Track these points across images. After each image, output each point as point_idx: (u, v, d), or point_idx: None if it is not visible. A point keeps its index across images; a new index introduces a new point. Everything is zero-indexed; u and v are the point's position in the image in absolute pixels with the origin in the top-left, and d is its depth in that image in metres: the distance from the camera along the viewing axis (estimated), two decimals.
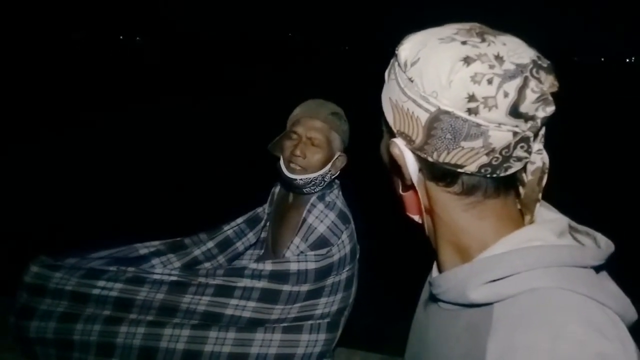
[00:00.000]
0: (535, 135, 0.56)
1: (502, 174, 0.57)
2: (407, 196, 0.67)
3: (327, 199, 1.54)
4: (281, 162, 1.52)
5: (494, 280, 0.56)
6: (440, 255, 0.66)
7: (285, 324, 1.44)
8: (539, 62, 0.54)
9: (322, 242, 1.47)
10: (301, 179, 1.49)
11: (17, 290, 1.46)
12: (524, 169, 0.60)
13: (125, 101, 12.93)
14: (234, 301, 1.43)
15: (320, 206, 1.52)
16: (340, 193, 1.60)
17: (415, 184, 0.63)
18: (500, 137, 0.54)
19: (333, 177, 1.57)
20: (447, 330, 0.63)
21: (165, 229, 1.75)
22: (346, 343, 2.17)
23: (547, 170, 0.60)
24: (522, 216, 0.63)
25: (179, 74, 21.15)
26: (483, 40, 0.55)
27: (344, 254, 1.48)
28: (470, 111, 0.53)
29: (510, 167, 0.57)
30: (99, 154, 7.50)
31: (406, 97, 0.57)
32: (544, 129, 0.58)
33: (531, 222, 0.62)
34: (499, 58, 0.53)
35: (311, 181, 1.50)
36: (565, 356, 0.48)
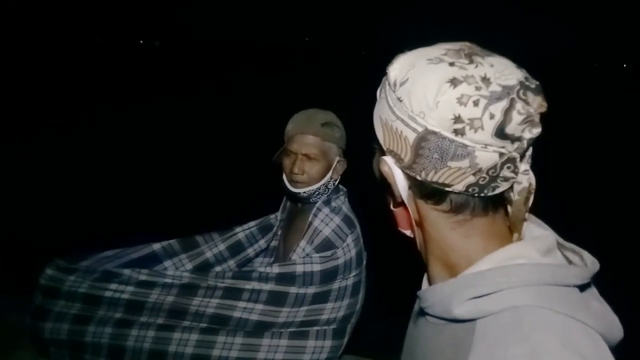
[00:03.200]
0: (522, 156, 0.57)
1: (489, 193, 0.58)
2: (398, 212, 0.69)
3: (333, 204, 1.56)
4: (284, 177, 1.56)
5: (477, 297, 0.56)
6: (430, 270, 0.67)
7: (291, 329, 1.46)
8: (527, 83, 0.55)
9: (327, 245, 1.49)
10: (304, 192, 1.53)
11: (33, 292, 1.51)
12: (511, 188, 0.60)
13: (144, 103, 13.09)
14: (241, 304, 1.46)
15: (326, 210, 1.54)
16: (347, 199, 1.62)
17: (405, 201, 0.64)
18: (487, 157, 0.55)
19: (336, 182, 1.60)
20: (433, 343, 0.64)
21: (176, 232, 1.78)
22: (353, 350, 2.17)
23: (533, 191, 0.60)
24: (510, 233, 0.64)
25: (197, 77, 21.36)
26: (471, 61, 0.55)
27: (350, 257, 1.50)
28: (456, 132, 0.54)
29: (497, 186, 0.58)
30: (118, 155, 7.61)
31: (395, 117, 0.58)
32: (530, 149, 0.58)
33: (519, 239, 0.63)
34: (485, 80, 0.54)
35: (315, 191, 1.54)
36: None
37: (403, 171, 0.62)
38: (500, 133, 0.54)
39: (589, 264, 0.61)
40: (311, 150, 1.50)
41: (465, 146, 0.54)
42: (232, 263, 1.71)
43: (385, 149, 0.62)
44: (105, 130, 9.46)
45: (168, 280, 1.50)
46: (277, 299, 1.46)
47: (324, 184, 1.54)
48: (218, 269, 1.69)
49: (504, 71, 0.55)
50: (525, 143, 0.55)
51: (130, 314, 1.46)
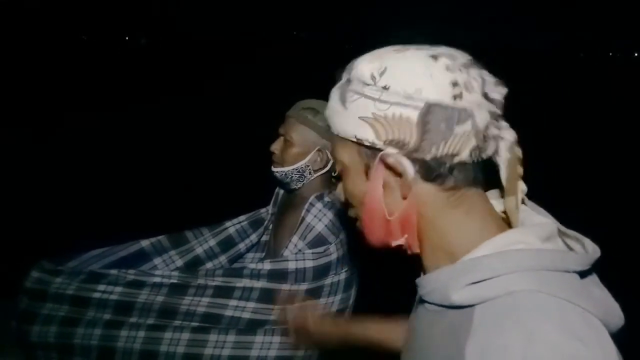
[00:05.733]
0: (500, 115, 0.63)
1: (484, 156, 0.62)
2: (397, 216, 0.65)
3: (326, 199, 1.54)
4: None
5: (475, 283, 0.56)
6: (428, 261, 0.67)
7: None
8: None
9: (320, 241, 1.47)
10: (277, 172, 1.54)
11: (19, 295, 1.47)
12: (498, 152, 0.63)
13: (130, 100, 12.99)
14: (233, 302, 1.44)
15: (319, 205, 1.51)
16: None
17: (412, 190, 0.63)
18: (482, 117, 0.59)
19: (317, 173, 1.54)
20: (432, 330, 0.64)
21: (168, 229, 1.75)
22: None
23: (518, 143, 0.64)
24: (506, 222, 0.64)
25: (185, 74, 21.22)
26: (430, 47, 0.62)
27: (342, 253, 1.48)
28: (455, 97, 0.58)
29: (488, 147, 0.62)
30: (105, 153, 7.54)
31: (387, 105, 0.58)
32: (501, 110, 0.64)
33: (517, 208, 0.63)
34: (452, 55, 0.60)
35: (287, 175, 1.52)
36: (538, 358, 0.48)
37: (409, 157, 0.61)
38: (485, 94, 0.60)
39: (590, 251, 0.60)
40: (287, 131, 1.51)
41: (465, 109, 0.58)
42: (223, 258, 1.69)
43: (381, 143, 0.61)
44: (92, 129, 9.37)
45: (157, 280, 1.47)
46: (269, 297, 1.44)
47: (296, 169, 1.51)
48: (209, 265, 1.67)
49: (455, 51, 0.62)
50: (499, 103, 0.62)
51: (120, 315, 1.43)
